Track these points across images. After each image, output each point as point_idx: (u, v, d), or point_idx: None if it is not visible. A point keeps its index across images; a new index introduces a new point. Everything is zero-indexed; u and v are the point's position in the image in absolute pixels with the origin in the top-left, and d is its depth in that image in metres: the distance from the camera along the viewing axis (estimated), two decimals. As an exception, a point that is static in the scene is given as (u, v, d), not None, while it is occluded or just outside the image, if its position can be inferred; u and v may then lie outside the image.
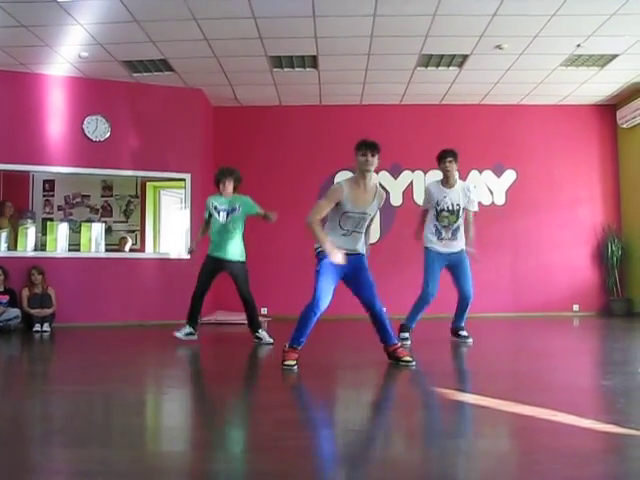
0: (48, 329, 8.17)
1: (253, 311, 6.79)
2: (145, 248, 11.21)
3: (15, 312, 8.24)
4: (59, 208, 11.11)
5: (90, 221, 10.31)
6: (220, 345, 7.35)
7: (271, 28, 7.61)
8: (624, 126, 10.33)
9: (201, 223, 7.26)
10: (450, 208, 6.33)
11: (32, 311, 8.26)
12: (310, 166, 10.69)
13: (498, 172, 10.72)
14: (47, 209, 11.02)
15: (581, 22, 7.43)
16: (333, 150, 10.59)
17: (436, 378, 4.67)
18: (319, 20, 7.40)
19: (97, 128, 9.38)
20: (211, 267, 6.80)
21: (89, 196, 11.23)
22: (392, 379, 4.88)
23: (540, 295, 10.41)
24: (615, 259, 10.32)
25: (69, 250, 9.49)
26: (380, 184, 5.32)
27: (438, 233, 6.36)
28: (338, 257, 4.73)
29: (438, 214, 6.35)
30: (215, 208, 6.77)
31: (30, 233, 9.43)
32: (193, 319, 6.77)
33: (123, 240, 10.63)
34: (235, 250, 6.76)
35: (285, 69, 9.07)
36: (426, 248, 6.46)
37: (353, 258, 5.00)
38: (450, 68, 9.07)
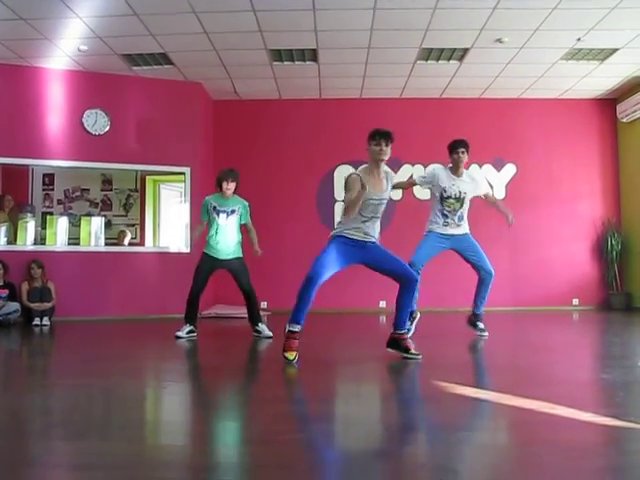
0: (48, 323, 8.18)
1: (254, 304, 6.80)
2: (145, 242, 11.21)
3: (15, 306, 8.25)
4: (59, 202, 11.11)
5: (90, 215, 10.31)
6: (219, 339, 7.36)
7: (271, 21, 7.60)
8: (624, 120, 10.31)
9: (198, 223, 7.12)
10: (457, 195, 6.35)
11: (32, 305, 8.27)
12: (310, 160, 10.69)
13: (498, 166, 10.71)
14: (47, 203, 11.02)
15: (581, 16, 7.42)
16: (333, 144, 10.59)
17: (436, 371, 4.67)
18: (319, 13, 7.38)
19: (96, 122, 9.37)
20: (208, 266, 6.75)
21: (89, 190, 11.23)
22: (391, 373, 4.88)
23: (540, 289, 10.42)
24: (615, 253, 10.32)
25: (69, 244, 9.49)
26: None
27: (444, 217, 6.35)
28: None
29: (444, 200, 6.34)
30: (214, 209, 6.70)
31: (30, 227, 9.42)
32: (192, 318, 6.76)
33: (122, 234, 10.63)
34: (233, 249, 6.75)
35: (285, 62, 9.06)
36: (427, 232, 6.41)
37: (373, 245, 5.06)
38: (450, 62, 9.05)
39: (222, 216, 6.70)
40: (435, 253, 6.40)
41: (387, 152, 5.00)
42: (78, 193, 11.20)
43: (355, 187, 4.86)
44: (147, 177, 11.31)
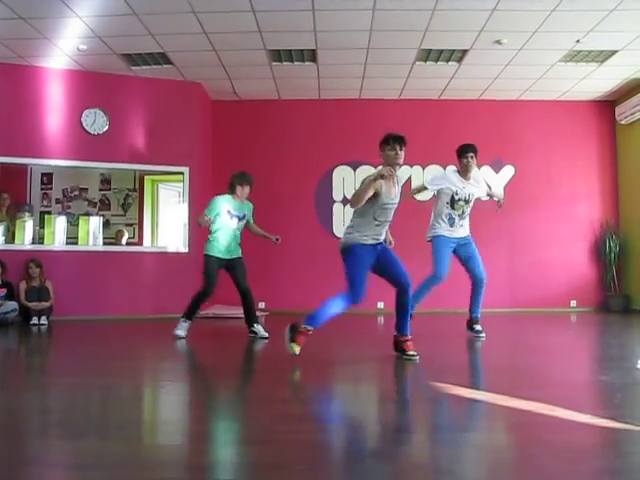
0: (45, 322, 8.16)
1: (251, 304, 6.79)
2: (143, 242, 11.20)
3: (12, 305, 8.23)
4: (57, 201, 11.10)
5: (88, 214, 10.31)
6: (217, 339, 7.35)
7: (270, 22, 7.60)
8: (623, 122, 10.32)
9: (204, 216, 6.62)
10: (467, 198, 6.41)
11: (30, 304, 8.26)
12: (309, 160, 10.69)
13: (497, 167, 10.72)
14: (45, 202, 11.01)
15: (581, 18, 7.42)
16: (332, 144, 10.60)
17: (434, 373, 4.67)
18: (318, 14, 7.38)
19: (95, 121, 9.36)
20: (216, 267, 6.69)
21: (87, 189, 11.23)
22: (389, 374, 4.88)
23: (538, 291, 10.42)
24: (613, 255, 10.33)
25: (67, 243, 9.49)
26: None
27: (451, 220, 6.40)
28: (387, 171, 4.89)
29: (455, 202, 6.38)
30: (228, 212, 6.65)
31: (28, 226, 9.42)
32: (192, 316, 6.74)
33: (119, 233, 10.62)
34: (235, 248, 6.77)
35: (284, 63, 9.06)
36: (435, 237, 6.46)
37: (381, 247, 5.14)
38: (449, 63, 9.06)
39: (234, 220, 6.69)
40: (450, 257, 6.50)
41: (402, 156, 5.09)
42: (76, 192, 11.19)
43: (374, 186, 4.89)
44: (146, 177, 11.31)
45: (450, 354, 5.79)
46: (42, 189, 11.05)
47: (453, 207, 6.39)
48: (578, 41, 8.10)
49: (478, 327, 6.59)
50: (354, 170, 10.57)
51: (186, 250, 9.63)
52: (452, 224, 6.42)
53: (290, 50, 8.60)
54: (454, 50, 8.58)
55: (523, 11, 7.25)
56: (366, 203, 4.95)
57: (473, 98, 10.69)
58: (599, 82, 9.85)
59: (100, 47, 8.35)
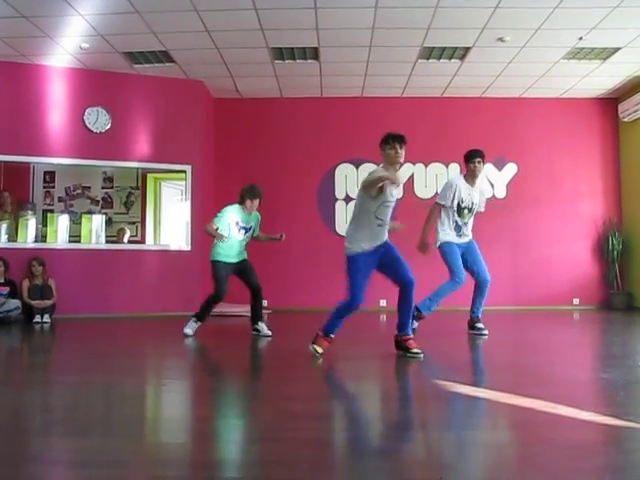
0: (48, 320, 8.18)
1: (260, 302, 6.86)
2: (145, 240, 11.20)
3: (15, 303, 8.26)
4: (59, 199, 11.09)
5: (90, 213, 10.30)
6: (221, 337, 7.35)
7: (272, 19, 7.59)
8: (626, 120, 10.30)
9: (212, 225, 6.59)
10: (470, 207, 6.41)
11: (32, 302, 8.27)
12: (311, 158, 10.68)
13: (499, 165, 10.70)
14: (47, 200, 11.00)
15: (584, 15, 7.41)
16: (334, 142, 10.59)
17: (436, 370, 4.67)
18: (320, 12, 7.38)
19: (98, 119, 9.37)
20: (227, 272, 6.72)
21: (90, 188, 11.21)
22: (392, 371, 4.88)
23: (540, 289, 10.41)
24: (616, 253, 10.32)
25: (69, 242, 9.50)
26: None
27: (458, 228, 6.41)
28: (397, 178, 4.92)
29: (461, 211, 6.37)
30: (237, 223, 6.69)
31: (30, 224, 9.43)
32: (203, 319, 6.76)
33: (121, 231, 10.61)
34: (242, 252, 6.83)
35: (286, 61, 9.05)
36: (444, 243, 6.45)
37: (381, 249, 5.12)
38: (452, 60, 9.05)
39: (241, 232, 6.74)
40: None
41: (402, 155, 5.09)
42: (79, 191, 11.18)
43: (378, 182, 4.88)
44: (148, 175, 11.30)
45: (452, 352, 5.79)
46: (45, 187, 11.03)
47: (460, 215, 6.39)
48: (581, 38, 8.09)
49: (480, 325, 6.60)
50: (356, 168, 10.56)
51: (189, 248, 9.64)
52: (459, 231, 6.43)
53: (292, 48, 8.59)
54: (457, 48, 8.57)
55: (526, 8, 7.24)
56: (369, 201, 4.97)
57: (476, 96, 10.67)
58: (602, 79, 9.83)
59: (102, 45, 8.35)
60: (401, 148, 5.06)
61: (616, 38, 8.13)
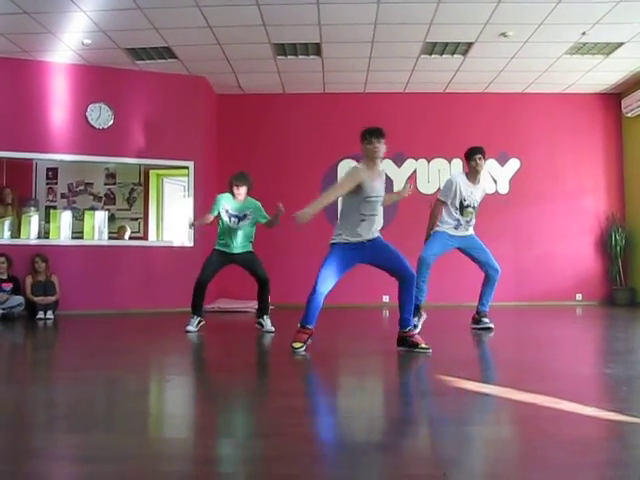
0: (51, 317, 8.19)
1: (267, 296, 6.82)
2: (148, 236, 11.22)
3: (19, 300, 8.27)
4: (62, 196, 11.12)
5: (93, 209, 10.33)
6: (223, 333, 7.36)
7: (275, 15, 7.58)
8: (629, 115, 10.28)
9: (207, 214, 6.89)
10: (474, 205, 6.38)
11: (35, 299, 8.28)
12: (313, 154, 10.68)
13: (502, 161, 10.70)
14: (50, 197, 11.03)
15: (587, 10, 7.39)
16: (336, 138, 10.58)
17: (440, 365, 4.67)
18: (323, 7, 7.37)
19: (100, 116, 9.37)
20: (218, 259, 6.71)
21: (92, 184, 11.24)
22: (395, 367, 4.88)
23: (543, 284, 10.42)
24: (619, 248, 10.31)
25: (72, 238, 9.51)
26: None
27: (458, 224, 6.37)
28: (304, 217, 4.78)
29: (464, 209, 6.34)
30: (227, 211, 6.62)
31: (33, 221, 9.44)
32: (198, 309, 6.75)
33: (122, 229, 10.63)
34: (242, 244, 6.73)
35: (289, 57, 9.05)
36: (435, 232, 6.42)
37: (371, 244, 5.08)
38: (454, 56, 9.03)
39: (233, 220, 6.62)
40: (443, 251, 6.45)
41: (381, 149, 5.03)
42: (82, 187, 11.21)
43: (356, 178, 4.94)
44: (151, 171, 11.32)
45: (455, 348, 5.79)
46: (47, 184, 11.07)
47: (462, 213, 6.36)
48: (584, 33, 8.07)
49: (486, 319, 6.58)
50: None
51: (191, 244, 9.64)
52: (457, 226, 6.40)
53: (295, 44, 8.58)
54: (459, 43, 8.56)
55: (529, 3, 7.23)
56: (351, 197, 4.99)
57: (478, 91, 10.66)
58: (605, 75, 9.81)
59: (105, 41, 8.35)
60: (379, 142, 5.00)
61: (619, 33, 8.10)
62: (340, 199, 5.23)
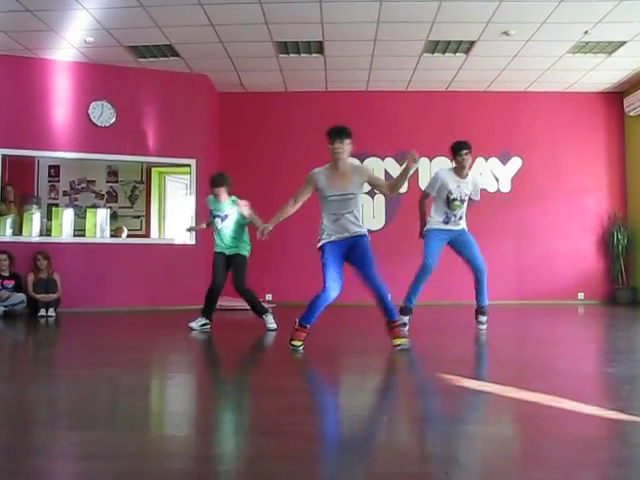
0: (53, 314, 8.20)
1: (250, 302, 6.81)
2: (150, 234, 11.22)
3: (20, 297, 8.29)
4: (64, 193, 11.13)
5: (95, 207, 10.33)
6: (225, 331, 7.35)
7: (277, 13, 7.58)
8: (631, 114, 10.26)
9: (207, 219, 7.19)
10: (462, 197, 6.35)
11: (37, 296, 8.29)
12: (315, 152, 10.58)
13: (504, 159, 10.69)
14: (52, 194, 11.04)
15: (589, 8, 7.38)
16: (338, 137, 10.55)
17: (441, 364, 4.67)
18: (325, 5, 7.36)
19: (102, 113, 9.38)
20: (221, 261, 6.77)
21: (94, 181, 11.25)
22: (396, 364, 4.89)
23: (545, 283, 10.40)
24: (621, 247, 10.30)
25: (74, 235, 9.52)
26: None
27: (447, 219, 6.36)
28: (264, 231, 5.25)
29: (451, 202, 6.33)
30: (211, 212, 6.80)
31: (35, 218, 9.45)
32: (209, 313, 6.77)
33: (119, 230, 10.59)
34: (240, 245, 6.76)
35: (291, 55, 9.04)
36: (427, 231, 6.45)
37: (351, 241, 5.13)
38: (457, 54, 9.02)
39: (217, 220, 6.75)
40: (441, 247, 6.44)
41: (342, 149, 5.11)
42: (84, 185, 11.22)
43: (307, 182, 5.23)
44: (153, 169, 11.32)
45: (456, 346, 5.79)
46: (49, 181, 11.08)
47: (449, 207, 6.35)
48: (587, 32, 8.06)
49: (481, 318, 6.54)
50: (361, 162, 10.52)
51: (193, 242, 9.64)
52: (446, 220, 6.38)
53: (297, 42, 8.58)
54: (461, 41, 8.55)
55: (531, 2, 7.22)
56: (320, 199, 5.22)
57: (480, 90, 10.65)
58: (607, 73, 9.80)
59: (107, 39, 8.35)
60: (341, 142, 5.08)
61: (622, 32, 8.09)
62: None
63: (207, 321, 6.75)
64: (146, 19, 7.68)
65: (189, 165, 9.85)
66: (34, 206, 9.64)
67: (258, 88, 10.56)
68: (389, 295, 5.25)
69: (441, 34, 8.25)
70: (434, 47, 8.75)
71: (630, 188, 10.65)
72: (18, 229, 9.29)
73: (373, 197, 10.58)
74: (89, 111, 9.32)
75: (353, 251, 5.14)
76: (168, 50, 8.85)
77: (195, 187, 9.80)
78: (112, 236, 10.17)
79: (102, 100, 9.36)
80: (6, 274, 8.39)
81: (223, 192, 6.68)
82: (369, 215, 10.53)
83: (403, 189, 10.43)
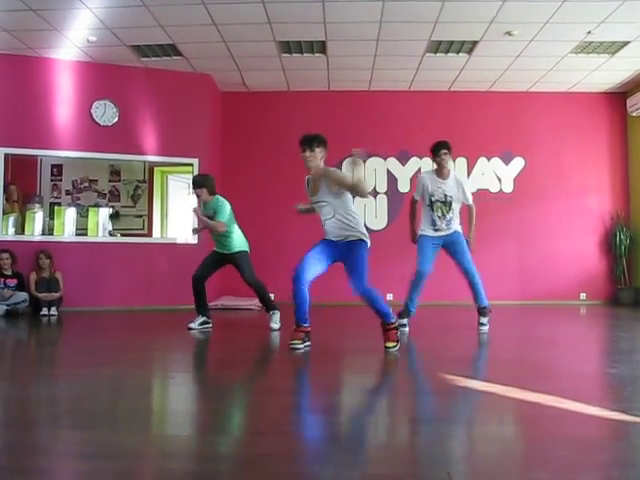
0: (55, 313, 8.21)
1: (263, 295, 6.85)
2: (152, 233, 11.22)
3: (23, 296, 8.30)
4: (67, 193, 11.12)
5: (97, 206, 10.33)
6: (226, 330, 7.36)
7: (280, 13, 7.58)
8: (634, 114, 10.25)
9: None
10: (443, 199, 6.34)
11: (40, 295, 8.30)
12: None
13: (506, 160, 10.68)
14: (55, 193, 11.03)
15: (592, 8, 7.37)
16: (341, 136, 10.51)
17: (442, 364, 4.66)
18: (328, 5, 7.36)
19: (105, 113, 9.38)
20: (213, 258, 6.85)
21: (97, 181, 11.24)
22: (398, 364, 4.88)
23: (547, 283, 10.39)
24: (623, 248, 10.29)
25: (76, 234, 9.53)
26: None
27: (434, 224, 6.36)
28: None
29: (432, 204, 6.34)
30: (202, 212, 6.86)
31: (38, 217, 9.46)
32: (201, 307, 6.76)
33: (112, 236, 10.53)
34: (230, 244, 6.76)
35: (294, 54, 9.04)
36: (418, 237, 6.46)
37: (343, 245, 5.17)
38: (459, 54, 9.02)
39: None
40: (435, 252, 6.44)
41: (311, 158, 5.12)
42: (86, 184, 11.21)
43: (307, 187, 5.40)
44: (155, 168, 11.32)
45: (458, 346, 5.79)
46: (52, 180, 11.07)
47: (432, 209, 6.36)
48: (589, 32, 8.05)
49: (482, 319, 6.50)
50: (363, 162, 10.54)
51: (195, 242, 9.64)
52: (434, 225, 6.37)
53: (300, 42, 8.58)
54: (464, 41, 8.54)
55: (534, 2, 7.21)
56: None
57: (483, 90, 10.64)
58: (610, 74, 9.78)
59: (110, 38, 8.35)
60: (311, 151, 5.10)
61: (625, 32, 8.08)
62: None
63: (205, 319, 6.75)
64: (149, 18, 7.68)
65: (191, 164, 9.84)
66: (36, 205, 9.65)
67: (261, 88, 10.56)
68: (383, 298, 5.27)
69: (444, 34, 8.24)
70: (437, 47, 8.74)
71: (633, 188, 10.64)
72: (20, 228, 9.30)
73: (375, 197, 10.58)
74: (92, 110, 9.32)
75: (346, 256, 5.15)
76: (171, 49, 8.86)
77: (197, 187, 9.78)
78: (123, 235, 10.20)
79: (105, 99, 9.37)
80: (8, 273, 8.40)
81: (201, 193, 6.75)
82: (371, 215, 10.53)
83: (405, 189, 10.47)
